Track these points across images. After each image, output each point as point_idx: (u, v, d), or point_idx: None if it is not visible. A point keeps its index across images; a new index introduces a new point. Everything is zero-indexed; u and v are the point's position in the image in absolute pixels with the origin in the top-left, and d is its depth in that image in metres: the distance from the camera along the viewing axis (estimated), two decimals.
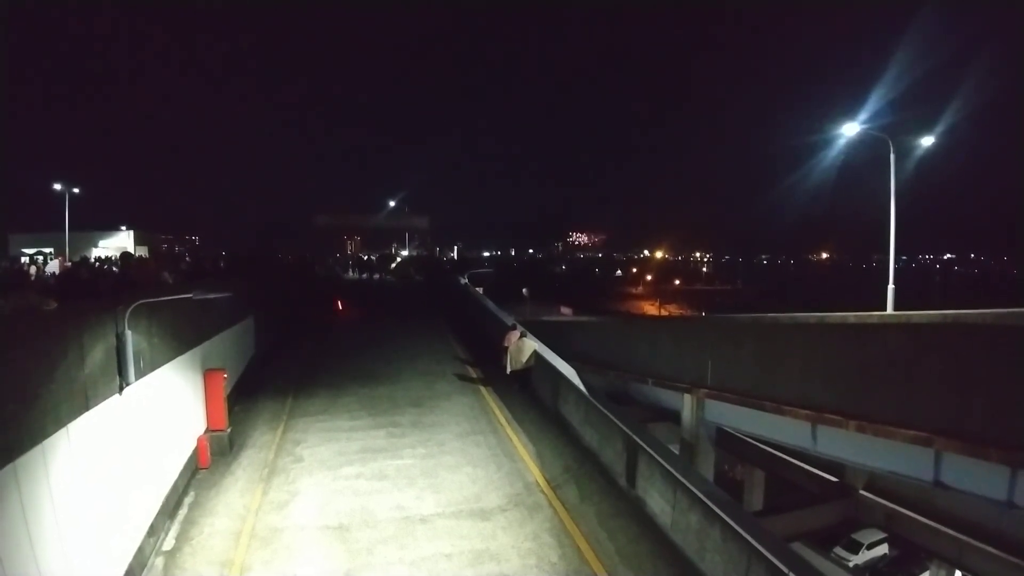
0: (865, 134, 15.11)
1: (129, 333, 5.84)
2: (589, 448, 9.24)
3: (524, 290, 41.15)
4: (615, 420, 8.54)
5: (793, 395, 9.86)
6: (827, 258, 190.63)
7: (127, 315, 5.81)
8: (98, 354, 5.42)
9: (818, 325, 9.97)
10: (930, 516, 13.53)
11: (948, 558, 13.39)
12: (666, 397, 14.60)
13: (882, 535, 14.85)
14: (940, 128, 16.42)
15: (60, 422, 4.59)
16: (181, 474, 7.86)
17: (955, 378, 7.38)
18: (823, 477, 15.27)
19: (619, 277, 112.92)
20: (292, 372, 14.19)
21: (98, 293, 7.67)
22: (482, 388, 12.99)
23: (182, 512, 7.31)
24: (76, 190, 28.99)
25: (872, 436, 8.54)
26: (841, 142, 15.96)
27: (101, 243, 36.24)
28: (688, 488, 6.37)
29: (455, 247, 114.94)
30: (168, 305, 7.24)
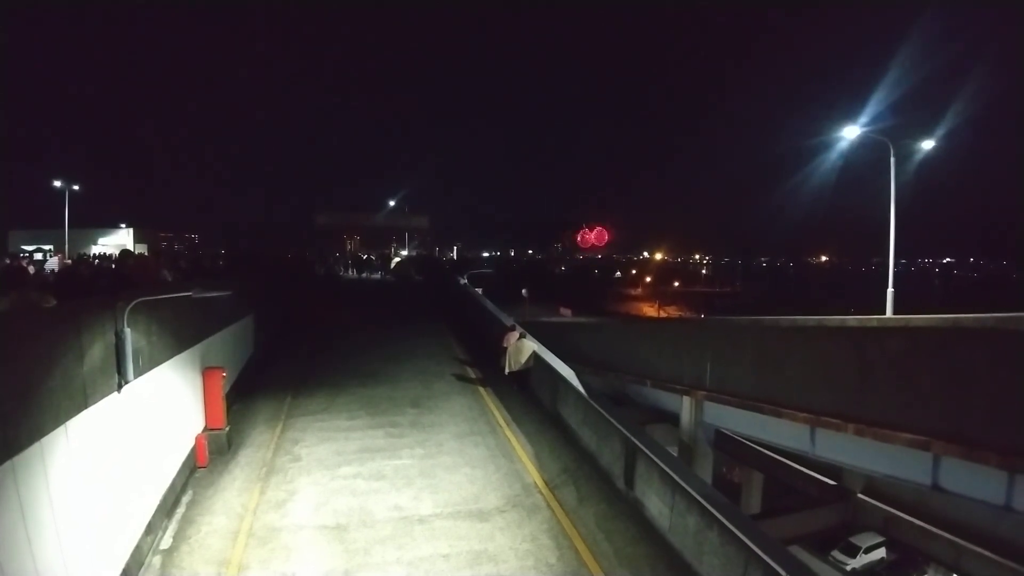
0: (866, 137, 15.16)
1: (128, 331, 5.83)
2: (587, 449, 9.24)
3: (523, 291, 41.08)
4: (613, 421, 8.54)
5: (792, 398, 9.86)
6: (827, 261, 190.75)
7: (126, 313, 5.80)
8: (97, 352, 5.41)
9: (817, 328, 9.97)
10: (928, 520, 13.52)
11: (946, 562, 13.38)
12: (665, 399, 14.60)
13: (880, 539, 14.83)
14: (941, 131, 16.48)
15: (58, 420, 4.58)
16: (179, 473, 7.85)
17: (954, 382, 7.38)
18: (821, 480, 15.26)
19: (619, 278, 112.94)
20: (291, 371, 14.17)
21: (97, 290, 7.65)
22: (481, 389, 12.99)
23: (180, 511, 7.30)
24: (76, 187, 29.02)
25: (871, 439, 8.54)
26: (842, 145, 16.02)
27: (100, 240, 36.22)
28: (686, 490, 6.36)
29: (455, 247, 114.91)
30: (167, 303, 7.23)
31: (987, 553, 12.22)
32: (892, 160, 14.46)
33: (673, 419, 14.12)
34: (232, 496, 7.74)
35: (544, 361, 12.59)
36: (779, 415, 10.09)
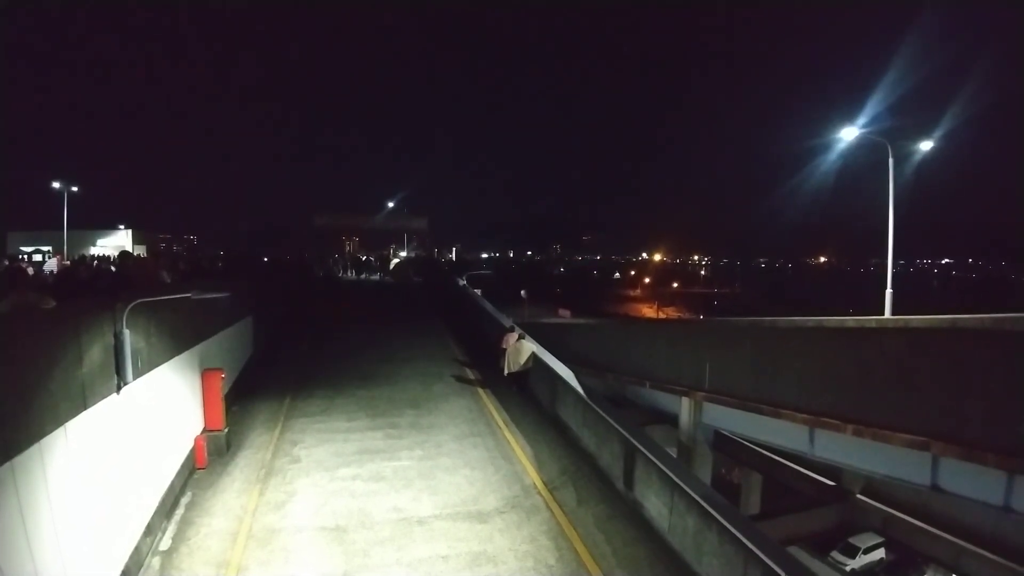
0: (864, 138, 15.16)
1: (127, 332, 5.82)
2: (587, 450, 9.24)
3: (522, 292, 41.15)
4: (612, 423, 8.54)
5: (791, 399, 9.88)
6: (825, 262, 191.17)
7: (125, 314, 5.80)
8: (96, 353, 5.41)
9: (816, 329, 9.99)
10: (927, 520, 13.55)
11: (945, 562, 13.40)
12: (664, 400, 14.61)
13: (879, 539, 14.85)
14: (939, 133, 16.49)
15: (58, 421, 4.58)
16: (178, 474, 7.84)
17: (953, 383, 7.40)
18: (820, 481, 15.29)
19: (617, 279, 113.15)
20: (290, 373, 14.15)
21: (96, 292, 7.65)
22: (480, 390, 12.98)
23: (179, 512, 7.29)
24: (75, 189, 28.98)
25: (869, 440, 8.56)
26: (840, 146, 16.02)
27: (99, 242, 36.25)
28: (685, 491, 6.37)
29: (454, 248, 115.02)
30: (166, 304, 7.23)
31: (986, 553, 12.25)
32: (891, 161, 14.47)
33: (672, 420, 14.14)
34: (231, 498, 7.73)
35: (543, 362, 12.58)
36: (778, 416, 10.11)
